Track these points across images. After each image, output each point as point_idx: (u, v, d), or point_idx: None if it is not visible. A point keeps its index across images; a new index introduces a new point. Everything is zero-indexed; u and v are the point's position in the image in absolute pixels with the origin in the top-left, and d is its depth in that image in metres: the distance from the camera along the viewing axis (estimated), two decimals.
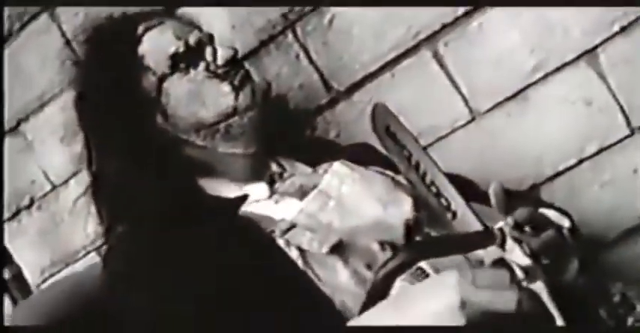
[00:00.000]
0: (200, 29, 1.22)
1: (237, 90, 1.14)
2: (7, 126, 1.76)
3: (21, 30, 1.71)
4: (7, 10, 1.74)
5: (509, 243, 0.89)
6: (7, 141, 1.77)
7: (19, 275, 1.81)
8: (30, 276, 1.80)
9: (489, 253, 0.93)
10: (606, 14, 1.28)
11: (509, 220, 0.92)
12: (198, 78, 1.15)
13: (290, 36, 1.48)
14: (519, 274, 0.88)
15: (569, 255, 0.93)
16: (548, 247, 0.89)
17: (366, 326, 0.82)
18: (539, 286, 0.86)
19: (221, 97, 1.14)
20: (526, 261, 0.88)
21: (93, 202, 1.21)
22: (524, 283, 0.87)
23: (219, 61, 1.15)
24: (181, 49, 1.15)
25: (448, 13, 1.37)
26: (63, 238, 1.77)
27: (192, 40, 1.17)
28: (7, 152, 1.78)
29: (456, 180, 1.21)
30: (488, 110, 1.38)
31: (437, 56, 1.40)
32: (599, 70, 1.30)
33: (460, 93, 1.39)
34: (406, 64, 1.41)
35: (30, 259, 1.81)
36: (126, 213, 1.16)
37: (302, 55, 1.48)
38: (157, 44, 1.16)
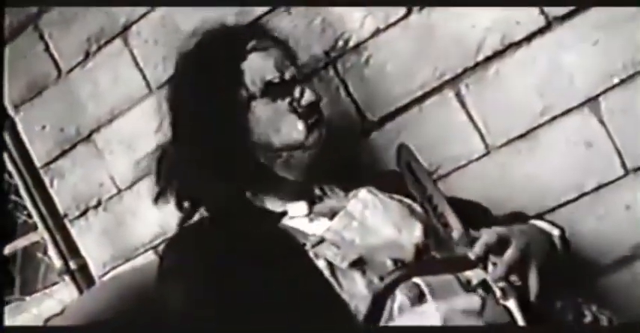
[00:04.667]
0: (297, 66, 1.40)
1: (309, 130, 1.34)
2: (81, 136, 2.00)
3: (97, 52, 1.96)
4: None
5: (491, 267, 1.10)
6: (81, 148, 2.01)
7: (84, 267, 2.05)
8: (94, 268, 2.04)
9: (476, 274, 1.13)
10: (607, 67, 1.46)
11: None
12: (281, 109, 1.34)
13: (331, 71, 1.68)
14: (497, 293, 1.08)
15: (530, 269, 1.12)
16: (511, 266, 1.09)
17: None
18: (511, 303, 1.06)
19: (294, 131, 1.33)
20: (502, 283, 1.08)
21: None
22: (501, 301, 1.07)
23: (303, 102, 1.35)
24: (276, 80, 1.34)
25: (470, 57, 1.57)
26: (124, 236, 2.00)
27: (288, 75, 1.35)
28: (80, 158, 2.02)
29: (468, 205, 1.43)
30: (501, 146, 1.57)
31: (459, 96, 1.59)
32: (599, 116, 1.47)
33: (477, 129, 1.58)
34: (431, 101, 1.61)
35: (94, 253, 2.04)
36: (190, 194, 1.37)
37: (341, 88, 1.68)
38: (258, 67, 1.34)
